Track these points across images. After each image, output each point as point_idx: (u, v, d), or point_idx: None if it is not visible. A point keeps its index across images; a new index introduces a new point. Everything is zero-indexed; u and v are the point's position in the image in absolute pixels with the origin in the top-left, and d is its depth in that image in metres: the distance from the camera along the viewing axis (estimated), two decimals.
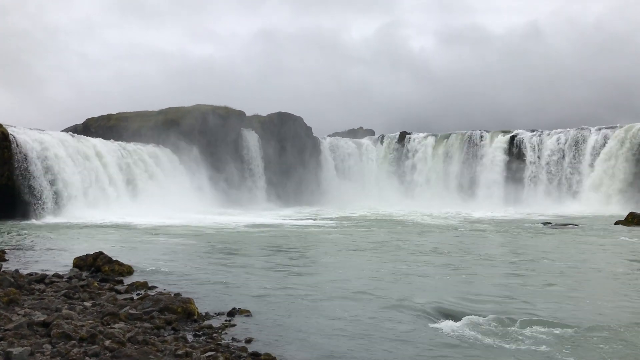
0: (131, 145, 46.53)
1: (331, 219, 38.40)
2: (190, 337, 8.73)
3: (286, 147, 60.53)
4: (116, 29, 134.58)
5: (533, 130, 57.41)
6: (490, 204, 51.43)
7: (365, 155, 65.51)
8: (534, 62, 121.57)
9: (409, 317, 10.26)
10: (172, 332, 8.99)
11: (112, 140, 46.02)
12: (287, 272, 15.06)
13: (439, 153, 61.20)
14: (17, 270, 13.34)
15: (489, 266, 16.28)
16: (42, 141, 37.13)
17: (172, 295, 10.98)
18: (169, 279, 13.66)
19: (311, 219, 37.83)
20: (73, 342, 7.61)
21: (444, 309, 10.67)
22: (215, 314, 10.30)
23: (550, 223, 32.43)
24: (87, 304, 10.26)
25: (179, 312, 9.77)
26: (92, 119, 56.92)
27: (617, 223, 31.38)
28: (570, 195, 51.39)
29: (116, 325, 8.61)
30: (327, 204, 57.09)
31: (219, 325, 9.51)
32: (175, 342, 8.22)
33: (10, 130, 35.44)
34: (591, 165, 50.90)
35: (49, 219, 33.53)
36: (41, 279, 12.53)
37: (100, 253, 14.65)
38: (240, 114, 58.74)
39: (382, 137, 66.59)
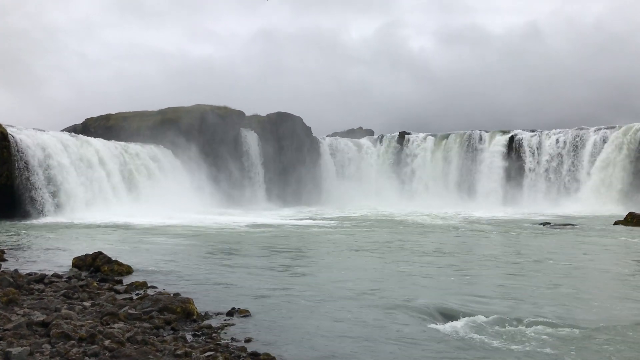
0: (131, 145, 46.48)
1: (331, 218, 38.40)
2: (189, 337, 8.73)
3: (285, 147, 60.53)
4: (115, 29, 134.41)
5: (532, 131, 57.43)
6: (490, 204, 51.43)
7: (364, 155, 65.52)
8: (533, 62, 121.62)
9: (411, 318, 10.19)
10: (172, 332, 8.99)
11: (111, 140, 46.00)
12: (287, 273, 15.04)
13: (438, 153, 61.23)
14: (16, 270, 13.33)
15: (493, 267, 16.20)
16: (41, 141, 37.11)
17: (172, 295, 10.98)
18: (168, 278, 13.66)
19: (311, 219, 37.83)
20: (72, 342, 7.62)
21: (448, 310, 10.56)
22: (214, 313, 10.30)
23: (550, 223, 32.43)
24: (87, 303, 10.26)
25: (178, 312, 9.77)
26: (92, 118, 56.85)
27: (616, 223, 31.39)
28: (569, 195, 51.38)
29: (115, 325, 8.61)
30: (326, 204, 57.10)
31: (218, 325, 9.51)
32: (174, 342, 8.23)
33: (9, 130, 35.43)
34: (590, 165, 50.93)
35: (48, 219, 33.50)
36: (40, 279, 12.53)
37: (100, 253, 14.65)
38: (240, 113, 58.70)
39: (382, 137, 66.61)
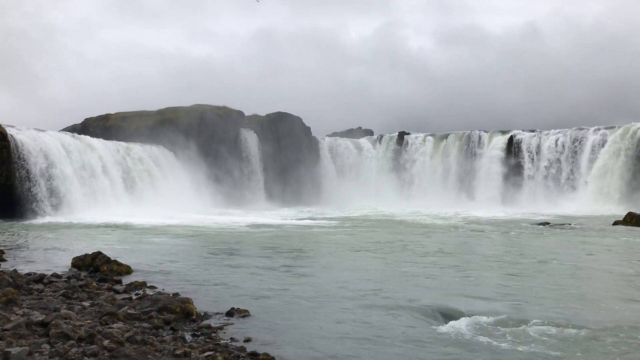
0: (130, 145, 46.47)
1: (332, 218, 38.39)
2: (188, 337, 8.73)
3: (285, 147, 60.52)
4: (115, 29, 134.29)
5: (531, 131, 57.43)
6: (489, 204, 51.44)
7: (364, 155, 65.53)
8: (532, 62, 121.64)
9: (415, 319, 10.09)
10: (171, 332, 8.98)
11: (111, 140, 45.98)
12: (288, 273, 15.00)
13: (438, 153, 61.25)
14: (15, 270, 13.33)
15: (496, 267, 16.13)
16: (41, 141, 37.09)
17: (171, 295, 10.98)
18: (168, 278, 13.65)
19: (312, 219, 37.82)
20: (71, 342, 7.61)
21: (452, 311, 10.44)
22: (214, 313, 10.29)
23: (549, 223, 32.43)
24: (86, 303, 10.25)
25: (177, 312, 9.77)
26: (91, 118, 56.82)
27: (615, 223, 31.39)
28: (568, 195, 51.39)
29: (115, 325, 8.60)
30: (326, 204, 57.10)
31: (217, 325, 9.51)
32: (173, 342, 8.22)
33: (9, 130, 35.41)
34: (589, 165, 50.97)
35: (48, 219, 33.47)
36: (40, 278, 12.52)
37: (99, 253, 14.64)
38: (239, 113, 58.70)
39: (381, 137, 66.62)
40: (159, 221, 32.15)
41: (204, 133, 54.27)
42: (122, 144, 45.92)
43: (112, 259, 14.51)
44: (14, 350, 6.84)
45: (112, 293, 11.58)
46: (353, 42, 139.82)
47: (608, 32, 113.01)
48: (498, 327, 9.48)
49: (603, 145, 50.45)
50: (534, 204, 50.78)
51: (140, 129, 52.22)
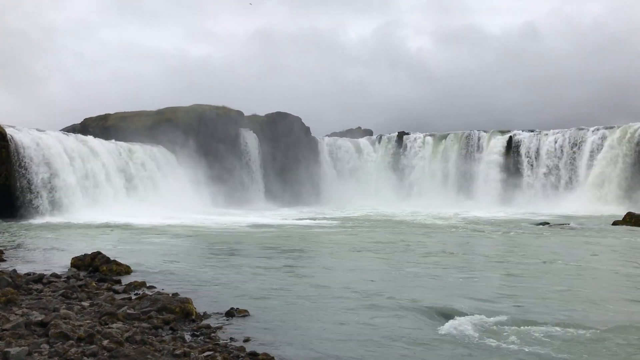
0: (130, 145, 46.42)
1: (332, 218, 38.36)
2: (188, 337, 8.70)
3: (284, 147, 60.50)
4: (114, 29, 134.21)
5: (531, 131, 57.43)
6: (488, 204, 51.44)
7: (363, 155, 65.55)
8: (531, 63, 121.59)
9: (419, 320, 10.02)
10: (170, 332, 8.96)
11: (110, 140, 45.92)
12: (289, 273, 14.96)
13: (437, 153, 61.27)
14: (14, 270, 13.30)
15: (499, 267, 16.05)
16: (40, 141, 37.00)
17: (170, 295, 10.96)
18: (167, 278, 13.62)
19: (312, 219, 37.80)
20: (71, 341, 7.59)
21: (457, 311, 10.34)
22: (213, 313, 10.26)
23: (549, 223, 32.42)
24: (85, 303, 10.23)
25: (177, 312, 9.74)
26: (90, 118, 56.78)
27: (615, 223, 31.39)
28: (567, 195, 51.39)
29: (114, 325, 8.58)
30: (326, 204, 57.09)
31: (217, 325, 9.48)
32: (173, 342, 8.20)
33: (8, 130, 35.36)
34: (588, 165, 50.98)
35: (48, 219, 33.41)
36: (39, 278, 12.48)
37: (98, 253, 14.62)
38: (239, 113, 58.69)
39: (380, 137, 66.64)
40: (159, 221, 32.12)
41: (203, 133, 54.26)
42: (124, 145, 45.79)
43: (112, 259, 14.48)
44: (13, 350, 6.81)
45: (111, 293, 11.55)
46: (352, 42, 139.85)
47: (607, 32, 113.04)
48: (503, 328, 9.39)
49: (602, 146, 50.43)
50: (533, 204, 50.79)
51: (140, 129, 52.17)
